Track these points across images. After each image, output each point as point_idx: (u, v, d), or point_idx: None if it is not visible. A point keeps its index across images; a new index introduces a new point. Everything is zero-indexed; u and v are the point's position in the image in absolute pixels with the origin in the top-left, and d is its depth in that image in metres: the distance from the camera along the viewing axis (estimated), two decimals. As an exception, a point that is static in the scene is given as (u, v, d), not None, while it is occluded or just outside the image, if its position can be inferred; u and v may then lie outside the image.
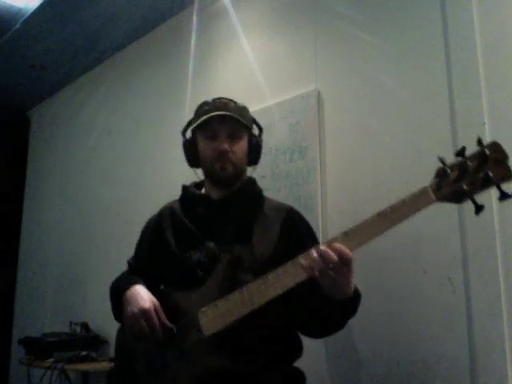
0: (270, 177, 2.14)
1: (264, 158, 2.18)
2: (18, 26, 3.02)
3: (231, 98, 1.46)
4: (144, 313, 1.23)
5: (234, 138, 1.39)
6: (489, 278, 1.45)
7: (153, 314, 1.23)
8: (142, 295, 1.28)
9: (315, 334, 1.38)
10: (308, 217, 1.91)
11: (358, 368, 1.75)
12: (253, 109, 2.23)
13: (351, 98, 1.93)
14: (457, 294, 1.52)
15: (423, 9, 1.75)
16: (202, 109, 1.43)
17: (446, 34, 1.66)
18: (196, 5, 2.75)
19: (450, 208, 1.52)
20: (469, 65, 1.58)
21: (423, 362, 1.57)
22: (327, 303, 1.17)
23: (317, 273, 1.07)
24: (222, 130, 1.38)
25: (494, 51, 1.54)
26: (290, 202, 2.00)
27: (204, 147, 1.41)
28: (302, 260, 1.09)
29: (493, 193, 1.43)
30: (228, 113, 1.37)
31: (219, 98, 1.43)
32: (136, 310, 1.24)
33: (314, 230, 1.88)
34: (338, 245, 1.07)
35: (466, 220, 1.51)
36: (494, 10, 1.56)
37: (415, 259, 1.63)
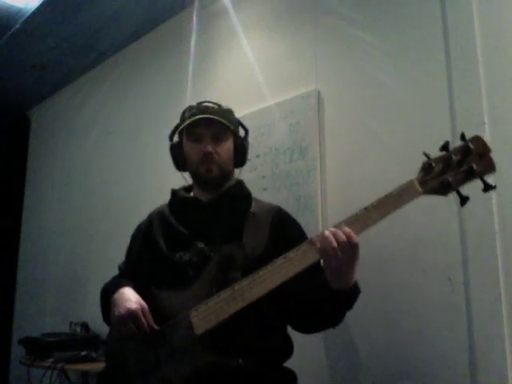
0: (269, 177, 2.14)
1: (264, 158, 2.19)
2: (17, 26, 3.01)
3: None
4: (130, 313, 1.24)
5: (218, 140, 1.41)
6: (489, 278, 1.45)
7: (139, 314, 1.24)
8: (129, 296, 1.29)
9: (309, 329, 1.38)
10: (308, 217, 1.92)
11: (358, 368, 1.75)
12: (253, 109, 2.25)
13: (351, 98, 1.93)
14: (457, 294, 1.52)
15: (423, 9, 1.75)
16: (187, 113, 1.44)
17: (446, 33, 1.66)
18: (196, 5, 2.75)
19: (449, 208, 1.53)
20: (469, 65, 1.58)
21: (423, 362, 1.57)
22: (326, 292, 1.17)
23: (329, 252, 1.08)
24: (206, 133, 1.40)
25: (493, 51, 1.54)
26: (290, 202, 2.01)
27: (189, 150, 1.43)
28: (315, 239, 1.10)
29: (493, 193, 1.44)
30: (211, 115, 1.39)
31: (203, 102, 1.46)
32: (122, 312, 1.25)
33: (314, 229, 1.89)
34: (346, 228, 1.09)
35: (466, 220, 1.51)
36: (494, 10, 1.56)
37: (415, 259, 1.63)
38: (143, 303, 1.28)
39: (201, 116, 1.39)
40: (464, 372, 1.47)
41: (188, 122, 1.41)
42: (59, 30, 3.09)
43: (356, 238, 1.09)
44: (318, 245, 1.10)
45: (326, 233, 1.09)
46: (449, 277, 1.54)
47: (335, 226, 1.11)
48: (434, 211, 1.58)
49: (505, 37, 1.53)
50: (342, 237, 1.08)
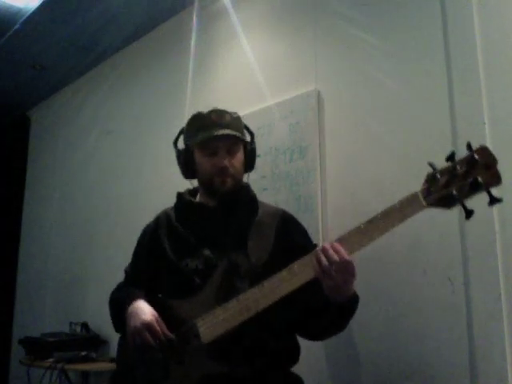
0: (270, 177, 2.14)
1: (264, 158, 2.19)
2: (17, 26, 3.01)
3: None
4: (147, 325, 1.24)
5: (232, 152, 1.40)
6: (489, 278, 1.45)
7: (155, 325, 1.24)
8: (144, 309, 1.29)
9: (315, 337, 1.39)
10: (308, 217, 1.92)
11: (358, 368, 1.75)
12: (253, 109, 2.24)
13: (351, 98, 1.93)
14: (457, 294, 1.51)
15: (423, 9, 1.75)
16: (198, 123, 1.42)
17: (446, 34, 1.66)
18: (196, 5, 2.75)
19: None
20: (469, 65, 1.58)
21: (423, 362, 1.57)
22: (326, 305, 1.19)
23: (325, 272, 1.10)
24: (221, 147, 1.39)
25: (494, 51, 1.54)
26: (290, 202, 2.01)
27: (203, 162, 1.41)
28: (313, 258, 1.12)
29: (493, 193, 1.43)
30: (229, 132, 1.38)
31: (214, 111, 1.42)
32: (139, 325, 1.25)
33: (314, 230, 1.89)
34: (337, 245, 1.10)
35: (466, 220, 1.51)
36: (494, 10, 1.56)
37: (415, 259, 1.63)
38: (156, 314, 1.28)
39: (219, 133, 1.36)
40: (464, 372, 1.47)
41: (206, 137, 1.37)
42: (59, 30, 3.09)
43: (346, 256, 1.10)
44: (313, 265, 1.12)
45: (320, 253, 1.11)
46: (449, 277, 1.54)
47: (339, 240, 1.12)
48: (433, 211, 1.58)
49: (505, 37, 1.53)
50: (335, 257, 1.09)
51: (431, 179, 1.04)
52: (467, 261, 1.50)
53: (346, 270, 1.11)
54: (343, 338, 1.77)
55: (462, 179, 1.01)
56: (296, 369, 1.38)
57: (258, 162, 2.11)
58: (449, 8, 1.67)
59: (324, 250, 1.11)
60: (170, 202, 1.54)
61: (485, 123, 1.51)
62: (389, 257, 1.69)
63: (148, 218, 1.56)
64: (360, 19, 1.94)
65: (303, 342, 1.41)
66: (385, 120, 1.80)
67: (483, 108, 1.52)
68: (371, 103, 1.85)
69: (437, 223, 1.57)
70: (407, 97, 1.75)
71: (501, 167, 1.01)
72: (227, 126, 1.39)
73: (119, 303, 1.39)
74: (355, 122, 1.90)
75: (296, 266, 1.14)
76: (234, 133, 1.39)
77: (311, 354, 1.77)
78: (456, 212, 1.52)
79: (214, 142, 1.38)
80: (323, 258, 1.10)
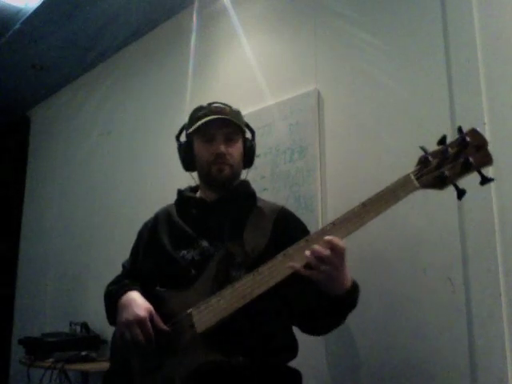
0: (269, 177, 2.14)
1: (264, 158, 2.19)
2: (17, 25, 3.01)
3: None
4: (139, 321, 1.23)
5: (230, 140, 1.41)
6: (489, 278, 1.45)
7: (147, 322, 1.23)
8: (137, 302, 1.29)
9: (317, 331, 1.38)
10: (308, 217, 1.92)
11: (358, 368, 1.75)
12: (253, 109, 2.24)
13: (351, 98, 1.93)
14: (457, 294, 1.52)
15: (423, 9, 1.75)
16: (198, 113, 1.43)
17: (446, 34, 1.66)
18: (196, 5, 2.75)
19: (449, 208, 1.53)
20: (469, 65, 1.58)
21: (423, 362, 1.57)
22: (325, 299, 1.17)
23: (313, 272, 1.08)
24: (218, 134, 1.39)
25: (493, 51, 1.54)
26: (290, 201, 2.01)
27: (201, 150, 1.42)
28: (294, 262, 1.10)
29: (493, 193, 1.43)
30: (226, 116, 1.39)
31: (214, 103, 1.45)
32: (131, 318, 1.24)
33: (314, 229, 1.88)
34: (329, 237, 1.08)
35: (466, 220, 1.51)
36: (494, 9, 1.56)
37: (415, 259, 1.63)
38: (151, 309, 1.27)
39: (216, 116, 1.38)
40: (464, 372, 1.47)
41: (202, 121, 1.39)
42: (59, 30, 3.09)
43: (341, 245, 1.08)
44: (297, 266, 1.09)
45: (307, 253, 1.08)
46: (449, 277, 1.54)
47: (333, 223, 1.11)
48: (433, 211, 1.58)
49: (505, 37, 1.53)
50: (323, 252, 1.07)
51: (423, 161, 1.06)
52: (467, 261, 1.50)
53: (337, 257, 1.08)
54: (343, 337, 1.77)
55: (453, 160, 1.03)
56: (296, 366, 1.38)
57: (258, 162, 2.12)
58: (449, 8, 1.67)
59: (313, 249, 1.08)
60: (169, 201, 1.55)
61: (485, 123, 1.51)
62: (389, 256, 1.69)
63: (147, 217, 1.56)
64: (360, 19, 1.94)
65: (303, 340, 1.40)
66: (385, 120, 1.80)
67: (483, 108, 1.52)
68: (371, 103, 1.85)
69: (437, 223, 1.58)
70: (407, 97, 1.75)
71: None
72: (226, 115, 1.40)
73: (113, 294, 1.39)
74: (355, 122, 1.90)
75: (291, 250, 1.13)
76: (233, 119, 1.40)
77: (311, 352, 1.77)
78: (456, 212, 1.53)
79: (211, 128, 1.39)
80: (312, 257, 1.08)
